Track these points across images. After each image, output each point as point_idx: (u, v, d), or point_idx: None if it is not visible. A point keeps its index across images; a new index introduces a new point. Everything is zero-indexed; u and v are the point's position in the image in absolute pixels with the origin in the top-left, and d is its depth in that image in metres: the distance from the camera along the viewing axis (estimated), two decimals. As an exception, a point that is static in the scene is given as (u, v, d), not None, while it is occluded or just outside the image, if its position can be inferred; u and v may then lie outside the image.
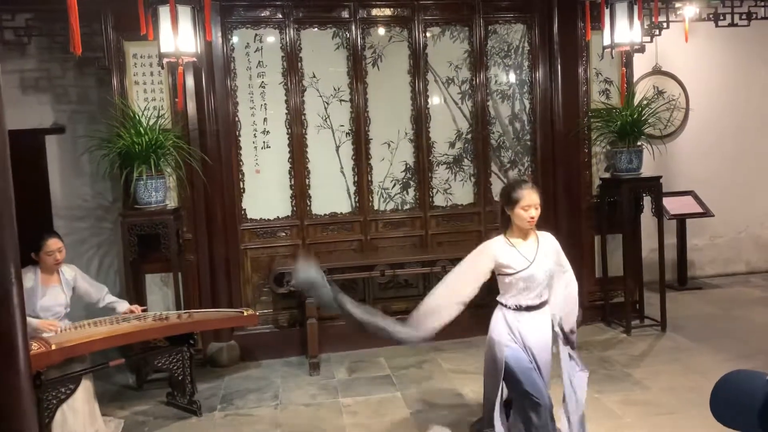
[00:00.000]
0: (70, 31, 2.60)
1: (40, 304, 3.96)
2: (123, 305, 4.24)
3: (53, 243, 4.00)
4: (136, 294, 4.77)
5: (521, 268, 3.17)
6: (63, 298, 4.08)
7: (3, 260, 1.36)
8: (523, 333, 3.21)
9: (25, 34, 4.97)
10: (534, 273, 3.17)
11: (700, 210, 6.89)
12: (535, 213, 3.18)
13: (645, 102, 5.57)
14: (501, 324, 3.27)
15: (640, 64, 6.53)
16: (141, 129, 4.66)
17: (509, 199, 3.19)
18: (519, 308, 3.23)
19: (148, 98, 4.97)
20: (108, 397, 4.55)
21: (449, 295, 3.17)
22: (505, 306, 3.27)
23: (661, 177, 5.54)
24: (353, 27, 5.42)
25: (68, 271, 4.16)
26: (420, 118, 5.58)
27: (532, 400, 3.08)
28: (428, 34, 5.57)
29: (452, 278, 3.21)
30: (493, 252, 3.21)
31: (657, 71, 6.97)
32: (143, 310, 4.30)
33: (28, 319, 3.74)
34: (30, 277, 3.97)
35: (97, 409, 3.96)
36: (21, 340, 1.42)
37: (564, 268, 3.36)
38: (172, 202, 4.97)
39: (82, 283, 4.21)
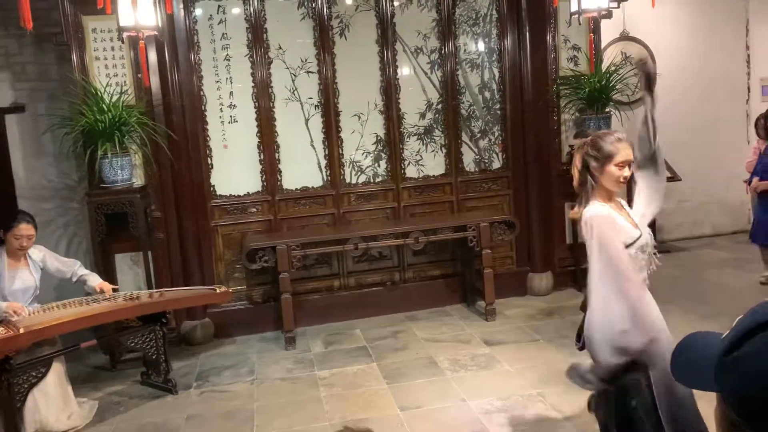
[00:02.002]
0: (19, 4, 2.50)
1: (9, 289, 3.88)
2: (94, 278, 4.18)
3: (25, 228, 3.90)
4: (106, 274, 4.68)
5: (637, 236, 2.58)
6: (32, 281, 4.01)
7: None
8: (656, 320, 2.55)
9: (-23, 10, 4.79)
10: (647, 240, 2.62)
11: (667, 174, 6.96)
12: (628, 172, 2.60)
13: (613, 68, 5.59)
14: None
15: (608, 30, 6.53)
16: (104, 106, 4.54)
17: (600, 153, 2.57)
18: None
19: (110, 74, 4.83)
20: (81, 379, 4.51)
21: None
22: None
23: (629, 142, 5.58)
24: (319, -4, 5.32)
25: (36, 253, 4.07)
26: (389, 89, 5.53)
27: None
28: (396, 3, 5.49)
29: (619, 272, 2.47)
30: (612, 217, 2.57)
31: (624, 37, 6.99)
32: (114, 290, 4.24)
33: None
34: None
35: (70, 391, 3.92)
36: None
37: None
38: (138, 180, 4.88)
39: (53, 262, 4.13)
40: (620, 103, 5.97)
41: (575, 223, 5.69)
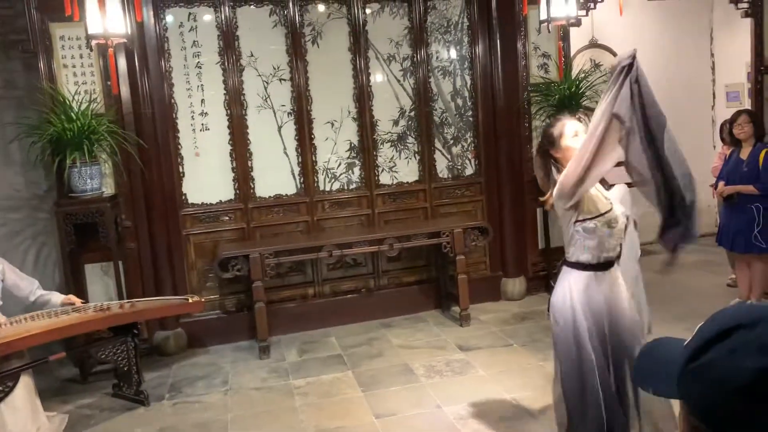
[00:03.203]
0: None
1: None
2: (56, 297, 4.07)
3: None
4: (76, 285, 4.61)
5: (605, 210, 2.72)
6: None
7: None
8: (602, 295, 2.74)
9: (-60, 17, 4.69)
10: (617, 215, 2.76)
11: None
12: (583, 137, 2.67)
13: (582, 75, 5.67)
14: (575, 287, 2.74)
15: (577, 38, 6.64)
16: (72, 114, 4.47)
17: (552, 137, 2.77)
18: (599, 265, 2.75)
19: (78, 82, 4.77)
20: (51, 392, 4.42)
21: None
22: (580, 265, 2.76)
23: (599, 148, 5.67)
24: (290, 4, 5.31)
25: None
26: (362, 97, 5.54)
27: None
28: (368, 11, 5.51)
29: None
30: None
31: (593, 44, 7.11)
32: (82, 302, 4.16)
33: None
34: None
35: (39, 405, 3.82)
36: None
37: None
38: (108, 189, 4.81)
39: (11, 276, 4.00)
40: (590, 109, 6.05)
41: (548, 228, 5.78)
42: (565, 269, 2.82)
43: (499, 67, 5.70)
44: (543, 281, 5.90)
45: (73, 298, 4.09)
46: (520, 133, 5.74)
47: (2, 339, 3.48)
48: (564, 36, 5.63)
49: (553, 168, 2.79)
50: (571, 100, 5.45)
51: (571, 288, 2.75)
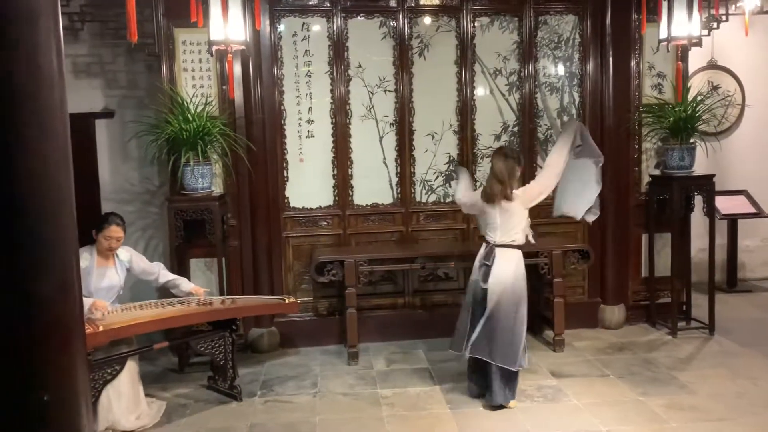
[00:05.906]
0: (126, 19, 2.62)
1: (95, 285, 4.03)
2: (186, 284, 4.32)
3: (115, 230, 4.06)
4: (180, 278, 4.82)
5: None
6: (117, 280, 4.15)
7: (64, 250, 1.37)
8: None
9: (79, 20, 5.06)
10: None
11: (753, 210, 6.66)
12: None
13: (700, 98, 5.38)
14: (480, 255, 4.30)
15: (695, 58, 6.31)
16: (189, 116, 4.70)
17: (520, 161, 4.24)
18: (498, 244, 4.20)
19: (196, 85, 5.01)
20: (151, 379, 4.64)
21: None
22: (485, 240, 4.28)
23: (713, 176, 5.37)
24: (400, 16, 5.36)
25: (123, 254, 4.22)
26: (465, 110, 5.50)
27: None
28: (476, 24, 5.47)
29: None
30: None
31: (712, 65, 6.74)
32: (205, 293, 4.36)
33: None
34: (86, 257, 4.03)
35: (141, 391, 4.03)
36: (79, 329, 1.44)
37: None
38: (217, 189, 5.01)
39: (138, 264, 4.28)
40: (705, 133, 5.76)
41: (653, 255, 5.51)
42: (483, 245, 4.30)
43: (610, 86, 5.49)
44: (644, 311, 5.63)
45: (199, 290, 4.30)
46: (629, 155, 5.52)
47: (114, 324, 3.69)
48: (683, 56, 5.36)
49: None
50: (686, 123, 5.18)
51: (480, 254, 4.26)
